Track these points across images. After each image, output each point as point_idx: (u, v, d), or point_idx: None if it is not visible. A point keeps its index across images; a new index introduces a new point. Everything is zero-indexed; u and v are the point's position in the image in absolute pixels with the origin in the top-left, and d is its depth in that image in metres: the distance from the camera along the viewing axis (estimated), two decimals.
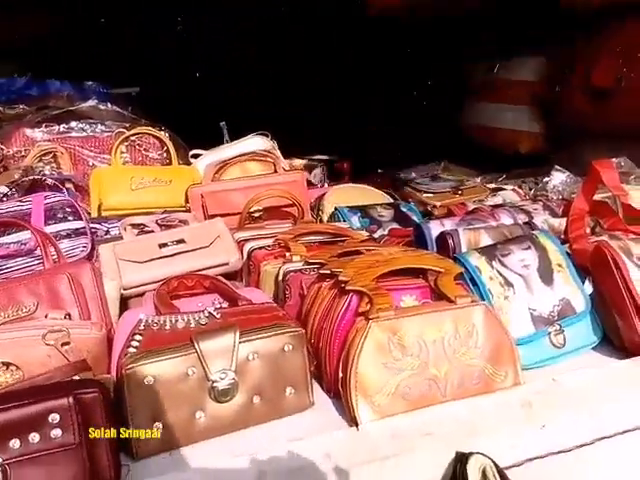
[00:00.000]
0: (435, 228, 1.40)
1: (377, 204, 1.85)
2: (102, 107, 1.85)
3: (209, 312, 1.09)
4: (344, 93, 3.75)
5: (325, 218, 1.85)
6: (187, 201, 1.73)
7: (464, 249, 1.32)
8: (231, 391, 0.92)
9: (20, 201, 1.37)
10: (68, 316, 1.02)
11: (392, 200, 2.01)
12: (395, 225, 1.71)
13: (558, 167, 2.15)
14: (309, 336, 1.09)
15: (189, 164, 1.95)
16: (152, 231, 1.50)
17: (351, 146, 2.79)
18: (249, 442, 0.90)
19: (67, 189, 1.66)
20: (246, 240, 1.51)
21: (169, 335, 1.03)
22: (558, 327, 1.13)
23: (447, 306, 1.03)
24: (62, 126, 1.75)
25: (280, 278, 1.33)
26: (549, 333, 1.13)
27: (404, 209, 1.81)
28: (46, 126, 1.75)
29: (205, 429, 0.91)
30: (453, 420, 0.96)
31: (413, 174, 2.37)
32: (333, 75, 3.76)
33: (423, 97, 3.99)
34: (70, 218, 1.37)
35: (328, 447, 0.89)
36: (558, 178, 2.12)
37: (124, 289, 1.28)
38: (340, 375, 0.99)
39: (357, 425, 0.94)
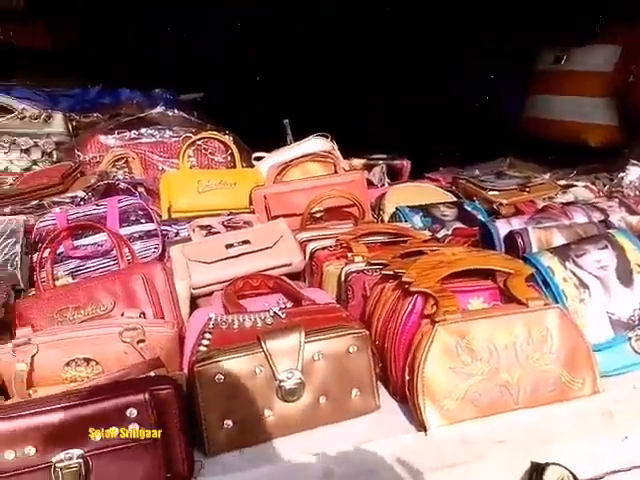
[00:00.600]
0: (503, 227, 1.35)
1: (440, 203, 1.82)
2: (170, 113, 1.92)
3: (274, 312, 1.11)
4: (400, 91, 3.71)
5: (386, 218, 1.84)
6: (251, 203, 1.76)
7: (534, 249, 1.27)
8: (298, 391, 0.93)
9: (96, 205, 1.45)
10: (143, 315, 1.07)
11: (455, 199, 1.97)
12: (459, 224, 1.67)
13: (634, 161, 2.02)
14: (373, 338, 1.08)
15: (252, 166, 1.99)
16: (218, 232, 1.54)
17: (409, 145, 2.76)
18: (317, 442, 0.91)
19: (139, 193, 1.74)
20: (308, 241, 1.52)
21: (237, 334, 1.05)
22: (639, 332, 1.07)
23: (518, 309, 1.00)
24: (133, 132, 1.84)
25: (342, 279, 1.33)
26: (629, 338, 1.06)
27: (468, 208, 1.77)
28: (118, 133, 1.84)
29: (274, 428, 0.92)
30: (526, 428, 0.93)
31: (476, 171, 2.30)
32: (388, 74, 3.73)
33: (483, 92, 3.88)
34: (142, 221, 1.43)
35: (396, 451, 0.88)
36: (635, 173, 1.99)
37: (193, 288, 1.32)
38: (406, 378, 0.98)
39: (425, 430, 0.92)
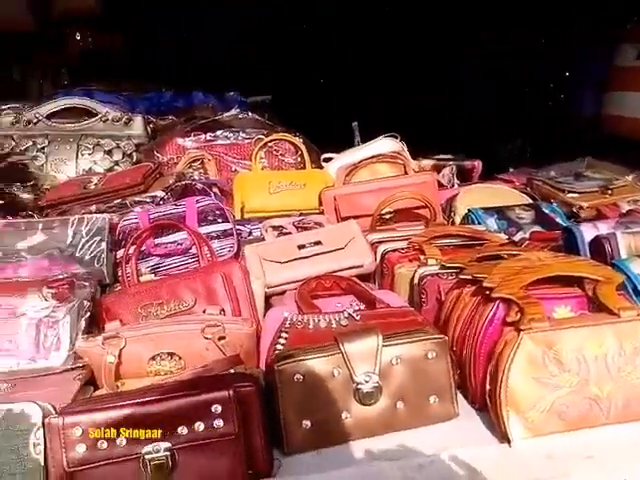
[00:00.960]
0: (588, 232, 1.29)
1: (515, 205, 1.75)
2: (243, 116, 1.96)
3: (349, 313, 1.11)
4: (467, 90, 3.62)
5: (458, 220, 1.79)
6: (320, 204, 1.77)
7: (623, 255, 1.20)
8: (375, 394, 0.93)
9: (175, 205, 1.50)
10: (222, 312, 1.10)
11: (530, 201, 1.89)
12: (537, 228, 1.60)
13: None
14: (450, 344, 1.05)
15: (321, 167, 2.00)
16: (290, 233, 1.56)
17: (477, 144, 2.68)
18: (395, 447, 0.90)
19: (214, 193, 1.79)
20: (379, 242, 1.51)
21: (312, 334, 1.06)
22: None
23: (609, 319, 0.94)
24: (209, 135, 1.89)
25: (416, 282, 1.31)
26: None
27: (546, 210, 1.69)
28: (195, 135, 1.90)
29: (351, 430, 0.92)
30: (617, 444, 0.88)
31: (552, 172, 2.19)
32: (458, 70, 3.64)
33: (557, 90, 3.71)
34: (219, 220, 1.47)
35: (477, 462, 0.86)
36: None
37: (267, 287, 1.34)
38: (487, 387, 0.95)
39: (509, 441, 0.89)
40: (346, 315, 1.11)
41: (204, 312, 1.08)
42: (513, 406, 0.90)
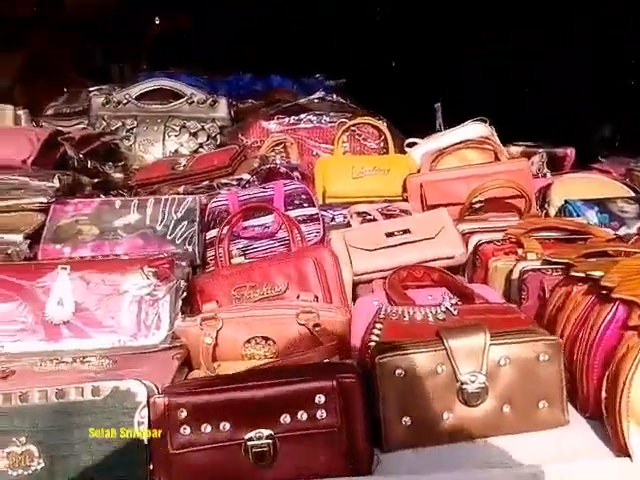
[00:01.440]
0: None
1: (617, 197, 1.62)
2: (328, 99, 1.93)
3: (446, 307, 1.06)
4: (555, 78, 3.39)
5: (552, 212, 1.68)
6: (405, 190, 1.71)
7: None
8: (481, 395, 0.88)
9: (263, 188, 1.49)
10: (316, 298, 1.08)
11: (632, 193, 1.75)
12: None
13: None
14: None
15: (404, 153, 1.93)
16: (375, 219, 1.52)
17: (567, 131, 2.50)
18: (502, 453, 0.85)
19: (295, 177, 1.77)
20: (470, 233, 1.44)
21: (409, 327, 1.02)
22: None
23: None
24: (292, 118, 1.87)
25: (515, 276, 1.23)
26: None
27: None
28: (278, 119, 1.89)
29: (452, 431, 0.88)
30: None
31: None
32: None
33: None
34: (305, 205, 1.45)
35: (595, 475, 0.79)
36: None
37: (354, 275, 1.31)
38: (604, 395, 0.88)
39: (629, 456, 0.81)
40: (443, 309, 1.06)
41: (298, 298, 1.07)
42: (635, 418, 0.83)
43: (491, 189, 1.55)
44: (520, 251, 1.31)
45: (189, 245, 1.32)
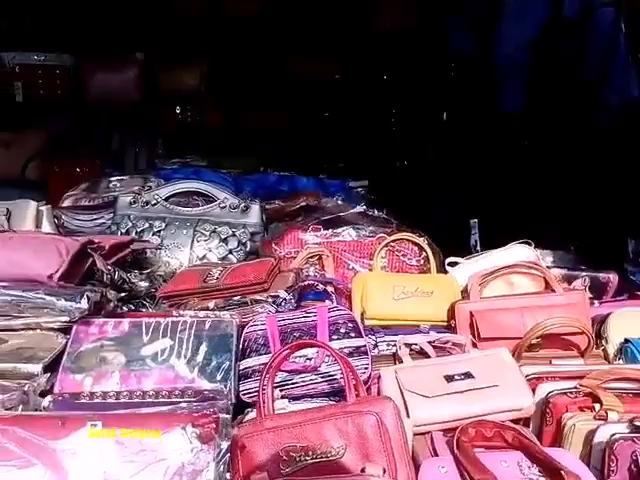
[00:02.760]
0: None
1: None
2: (369, 213, 1.85)
3: None
4: None
5: (611, 350, 1.55)
6: (452, 316, 1.59)
7: None
8: None
9: (305, 312, 1.36)
10: (384, 473, 0.91)
11: None
12: None
13: None
14: None
15: (444, 272, 1.83)
16: (426, 353, 1.38)
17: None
18: None
19: (330, 293, 1.66)
20: (536, 378, 1.30)
21: None
22: None
23: None
24: (330, 230, 1.79)
25: (599, 441, 1.08)
26: None
27: None
28: (315, 230, 1.80)
29: None
30: None
31: None
32: None
33: None
34: (352, 334, 1.31)
35: None
36: None
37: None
38: None
39: None
40: None
41: (363, 471, 0.90)
42: None
43: (551, 328, 1.42)
44: (597, 406, 1.17)
45: (225, 381, 1.17)
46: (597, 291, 2.04)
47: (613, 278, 2.05)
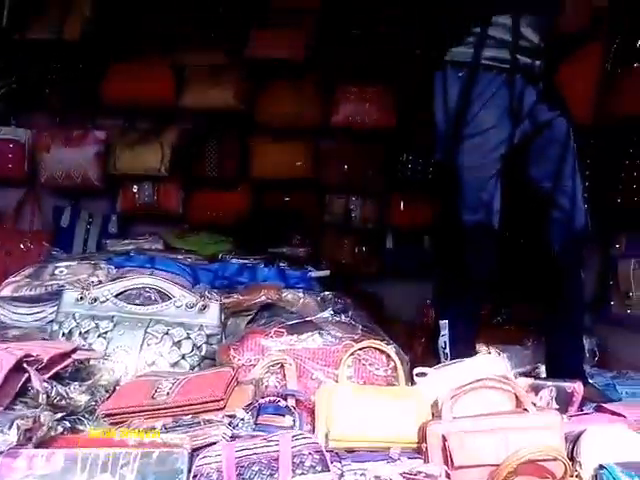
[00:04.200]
0: None
1: None
2: (336, 319, 1.77)
3: None
4: None
5: (585, 476, 1.47)
6: (422, 439, 1.47)
7: None
8: None
9: (266, 440, 1.22)
10: None
11: None
12: None
13: None
14: None
15: (412, 382, 1.73)
16: None
17: None
18: None
19: (289, 406, 1.53)
20: None
21: None
22: None
23: None
24: (296, 336, 1.68)
25: None
26: None
27: None
28: (277, 334, 1.68)
29: None
30: None
31: None
32: None
33: None
34: (318, 468, 1.18)
35: None
36: None
37: None
38: None
39: None
40: None
41: None
42: None
43: (529, 456, 1.34)
44: None
45: None
46: (563, 402, 1.99)
47: (578, 388, 2.02)
